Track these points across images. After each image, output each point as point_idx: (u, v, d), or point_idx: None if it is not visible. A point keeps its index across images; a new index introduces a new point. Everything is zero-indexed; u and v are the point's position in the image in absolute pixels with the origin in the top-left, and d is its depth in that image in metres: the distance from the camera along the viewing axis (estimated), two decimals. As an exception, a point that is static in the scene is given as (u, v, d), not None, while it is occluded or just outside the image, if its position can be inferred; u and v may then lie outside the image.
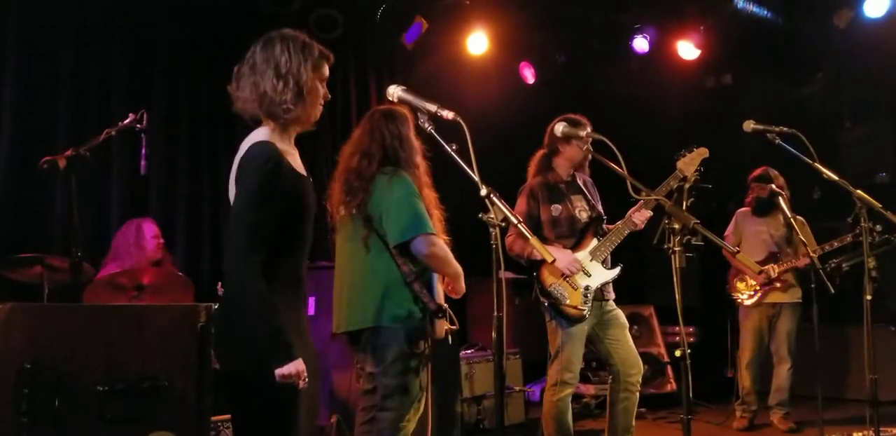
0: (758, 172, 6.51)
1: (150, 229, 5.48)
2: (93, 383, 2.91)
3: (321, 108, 2.96)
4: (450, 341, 3.94)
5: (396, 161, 3.73)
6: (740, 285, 6.54)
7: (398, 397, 3.59)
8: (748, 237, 6.48)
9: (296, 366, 2.61)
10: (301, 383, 2.63)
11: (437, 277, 3.78)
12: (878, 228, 5.44)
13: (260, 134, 2.82)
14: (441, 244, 3.65)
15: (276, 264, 2.72)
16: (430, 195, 3.82)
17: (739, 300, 6.55)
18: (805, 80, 8.49)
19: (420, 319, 3.63)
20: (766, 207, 6.48)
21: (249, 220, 2.67)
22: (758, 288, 6.41)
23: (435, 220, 3.72)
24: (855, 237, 5.83)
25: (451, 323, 3.82)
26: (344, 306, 3.75)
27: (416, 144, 3.82)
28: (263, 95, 2.78)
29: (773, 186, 5.99)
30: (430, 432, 3.89)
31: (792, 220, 5.61)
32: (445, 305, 3.77)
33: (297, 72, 2.81)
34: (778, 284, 6.33)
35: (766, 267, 6.21)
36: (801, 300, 6.39)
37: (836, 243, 5.87)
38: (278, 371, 2.59)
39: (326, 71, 2.96)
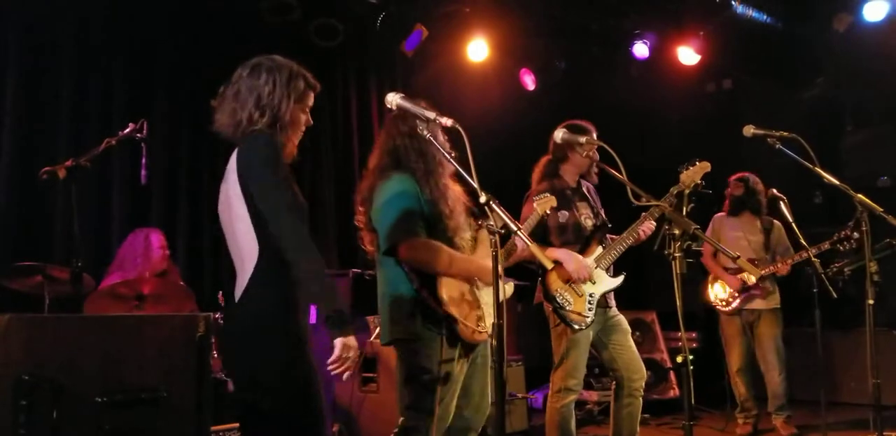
0: (739, 175, 6.54)
1: (157, 240, 5.49)
2: (91, 394, 2.91)
3: (301, 133, 2.99)
4: (490, 344, 3.74)
5: (406, 161, 3.54)
6: (718, 293, 6.54)
7: (412, 414, 3.43)
8: (726, 243, 6.41)
9: (353, 340, 2.67)
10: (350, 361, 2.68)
11: (445, 282, 3.47)
12: (856, 235, 5.56)
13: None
14: (425, 248, 3.42)
15: (286, 272, 2.71)
16: (449, 189, 3.55)
17: (718, 308, 6.53)
18: (805, 85, 8.49)
19: (430, 329, 3.42)
20: (739, 207, 6.51)
21: (285, 197, 2.71)
22: (735, 295, 6.40)
23: (445, 217, 3.50)
24: (832, 244, 5.83)
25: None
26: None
27: (431, 137, 3.44)
28: (239, 123, 2.82)
29: (774, 190, 5.98)
30: None
31: (791, 222, 5.59)
32: (473, 308, 3.57)
33: (278, 105, 2.84)
34: (757, 291, 6.33)
35: (764, 269, 6.19)
36: (779, 306, 6.36)
37: (814, 250, 5.84)
38: (343, 340, 2.65)
39: (311, 100, 2.99)
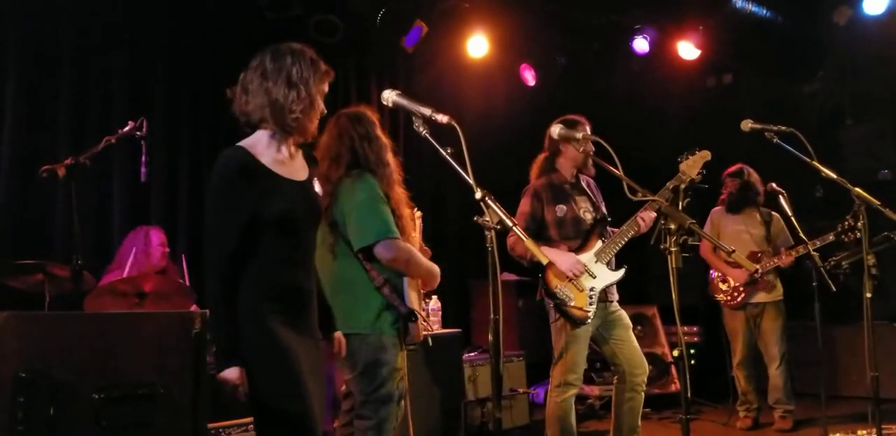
0: (732, 168, 6.54)
1: (157, 237, 5.50)
2: (88, 390, 2.91)
3: (317, 121, 3.01)
4: (429, 343, 4.02)
5: (366, 162, 3.72)
6: (723, 286, 6.54)
7: (373, 404, 3.60)
8: (728, 237, 6.44)
9: (229, 374, 2.64)
10: (238, 393, 2.65)
11: (408, 281, 3.73)
12: (859, 225, 5.57)
13: (246, 140, 2.89)
14: (405, 248, 3.62)
15: (270, 273, 2.78)
16: (401, 193, 3.80)
17: (723, 302, 6.55)
18: (806, 79, 8.47)
19: (391, 324, 3.63)
20: (738, 204, 6.51)
21: (213, 223, 2.80)
22: (741, 289, 6.41)
23: (405, 219, 3.73)
24: (836, 236, 5.83)
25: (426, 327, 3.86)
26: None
27: (385, 142, 3.82)
28: (275, 103, 2.84)
29: (774, 184, 5.98)
30: None
31: (790, 216, 5.59)
32: (421, 308, 3.80)
33: (308, 83, 2.89)
34: (761, 285, 6.33)
35: (768, 262, 6.20)
36: (782, 298, 6.38)
37: (818, 242, 5.85)
38: (219, 375, 2.65)
39: (326, 87, 3.02)
